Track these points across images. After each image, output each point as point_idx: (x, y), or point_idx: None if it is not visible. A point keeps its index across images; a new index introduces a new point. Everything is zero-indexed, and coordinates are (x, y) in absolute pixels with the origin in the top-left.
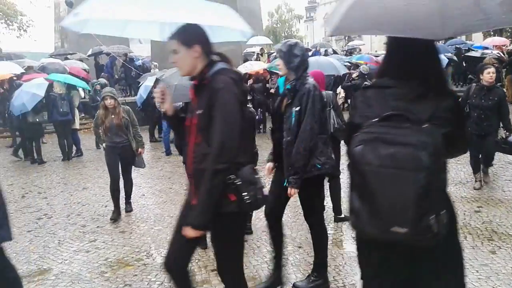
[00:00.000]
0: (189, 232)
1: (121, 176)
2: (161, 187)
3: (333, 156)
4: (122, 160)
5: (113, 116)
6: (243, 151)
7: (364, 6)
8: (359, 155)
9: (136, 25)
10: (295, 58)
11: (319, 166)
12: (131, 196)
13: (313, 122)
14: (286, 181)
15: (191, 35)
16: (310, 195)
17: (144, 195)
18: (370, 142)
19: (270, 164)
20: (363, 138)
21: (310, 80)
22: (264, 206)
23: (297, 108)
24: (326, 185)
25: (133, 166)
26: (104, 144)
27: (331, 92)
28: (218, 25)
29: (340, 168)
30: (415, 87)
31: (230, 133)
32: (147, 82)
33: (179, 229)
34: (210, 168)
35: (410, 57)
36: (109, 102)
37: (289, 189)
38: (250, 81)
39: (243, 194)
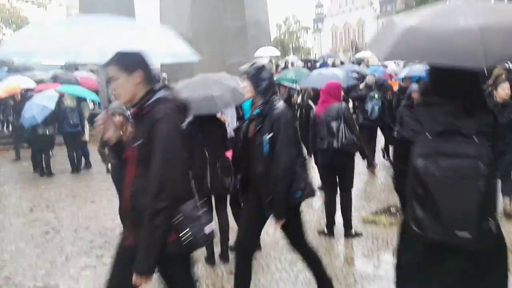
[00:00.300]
0: (137, 280)
1: None
2: None
3: (310, 179)
4: None
5: (121, 133)
6: (185, 184)
7: (412, 36)
8: (421, 167)
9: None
10: (263, 81)
11: (300, 193)
12: None
13: (289, 148)
14: (270, 213)
15: (132, 61)
16: (292, 222)
17: None
18: (430, 156)
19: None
20: (423, 152)
21: (280, 103)
22: (236, 238)
23: (269, 136)
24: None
25: None
26: (109, 166)
27: (344, 104)
28: (153, 50)
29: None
30: (461, 105)
31: (170, 167)
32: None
33: (116, 268)
34: (149, 207)
35: (453, 78)
36: (117, 119)
37: (275, 222)
38: None
39: (183, 233)
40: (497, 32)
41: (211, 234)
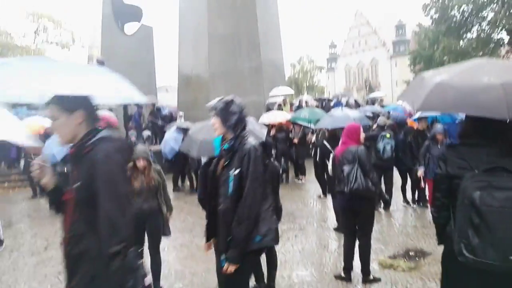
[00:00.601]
0: None
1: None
2: (182, 240)
3: (275, 226)
4: (150, 230)
5: (143, 178)
6: (132, 228)
7: (442, 90)
8: (478, 199)
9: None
10: (232, 116)
11: (259, 238)
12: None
13: (256, 186)
14: (223, 257)
15: (73, 100)
16: (241, 272)
17: (164, 249)
18: (485, 189)
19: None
20: (477, 185)
21: (250, 139)
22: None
23: (236, 171)
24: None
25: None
26: None
27: (362, 147)
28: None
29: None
30: (502, 146)
31: (119, 208)
32: (175, 134)
33: None
34: (104, 253)
35: (492, 123)
36: (141, 164)
37: (226, 265)
38: (272, 131)
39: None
40: None
41: (149, 287)
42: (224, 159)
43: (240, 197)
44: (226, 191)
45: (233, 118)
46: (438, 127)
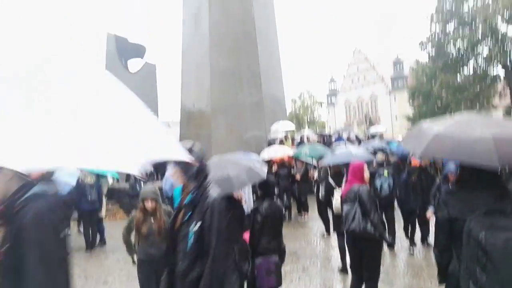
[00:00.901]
0: None
1: None
2: None
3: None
4: (159, 277)
5: (153, 220)
6: None
7: (441, 140)
8: (483, 239)
9: None
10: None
11: None
12: None
13: (223, 243)
14: None
15: None
16: None
17: None
18: (488, 229)
19: None
20: (482, 226)
21: (212, 190)
22: None
23: (197, 226)
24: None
25: None
26: (135, 257)
27: (364, 187)
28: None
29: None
30: (494, 191)
31: (49, 276)
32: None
33: None
34: None
35: (483, 170)
36: (150, 205)
37: None
38: (274, 167)
39: None
40: (506, 141)
41: None
42: (184, 212)
43: (199, 253)
44: (185, 247)
45: (193, 168)
46: (451, 167)
